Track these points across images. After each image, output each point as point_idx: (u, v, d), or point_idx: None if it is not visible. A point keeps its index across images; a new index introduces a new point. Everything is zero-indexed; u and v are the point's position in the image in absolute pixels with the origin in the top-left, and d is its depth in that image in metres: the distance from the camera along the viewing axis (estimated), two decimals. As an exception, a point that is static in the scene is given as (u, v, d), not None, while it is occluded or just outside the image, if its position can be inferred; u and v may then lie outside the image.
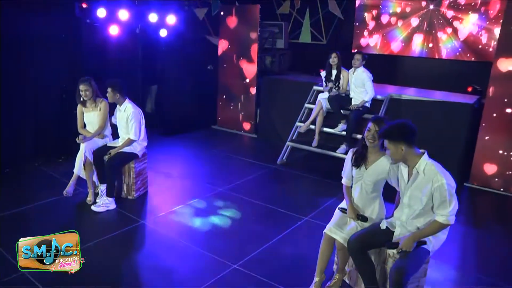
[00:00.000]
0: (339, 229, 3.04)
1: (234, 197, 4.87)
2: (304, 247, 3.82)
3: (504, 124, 5.16)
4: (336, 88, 5.79)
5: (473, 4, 6.93)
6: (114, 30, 7.03)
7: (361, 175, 3.12)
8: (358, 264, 2.93)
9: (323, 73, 5.98)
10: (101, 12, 6.71)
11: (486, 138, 5.27)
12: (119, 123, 4.58)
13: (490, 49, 6.80)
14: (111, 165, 4.39)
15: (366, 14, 8.25)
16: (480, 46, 6.94)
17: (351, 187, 3.24)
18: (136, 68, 7.62)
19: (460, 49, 7.17)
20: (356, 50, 6.45)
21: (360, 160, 3.13)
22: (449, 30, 7.23)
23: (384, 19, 8.03)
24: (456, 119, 5.40)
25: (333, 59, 5.77)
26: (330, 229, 3.04)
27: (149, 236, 3.98)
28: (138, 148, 4.57)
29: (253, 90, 7.61)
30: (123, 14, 7.04)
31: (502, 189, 5.25)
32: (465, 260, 3.83)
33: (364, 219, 3.08)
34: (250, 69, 7.60)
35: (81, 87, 4.43)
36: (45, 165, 5.61)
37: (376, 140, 3.02)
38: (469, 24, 6.99)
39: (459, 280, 3.50)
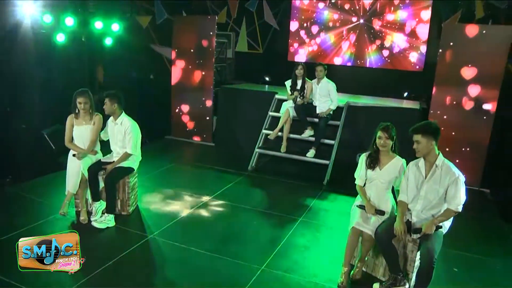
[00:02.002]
0: (364, 223, 3.59)
1: (224, 205, 5.14)
2: (314, 244, 4.31)
3: (449, 125, 6.21)
4: (301, 97, 6.39)
5: (399, 19, 8.13)
6: (60, 38, 6.77)
7: (376, 176, 3.71)
8: (385, 252, 3.50)
9: (288, 82, 6.54)
10: (48, 18, 6.44)
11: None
12: (113, 137, 4.53)
13: (414, 60, 8.09)
14: (110, 181, 4.36)
15: (300, 25, 9.07)
16: (404, 58, 8.18)
17: (363, 186, 3.84)
18: (84, 77, 7.36)
19: (387, 60, 8.34)
20: (318, 62, 7.05)
21: (375, 163, 3.73)
22: (378, 42, 8.37)
23: (317, 30, 8.91)
24: (405, 122, 6.34)
25: (300, 71, 6.36)
26: (358, 224, 3.57)
27: (166, 249, 4.05)
28: (135, 162, 4.60)
29: (209, 100, 7.87)
30: (69, 21, 6.82)
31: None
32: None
33: (381, 213, 3.67)
34: (206, 79, 7.84)
35: (80, 99, 4.30)
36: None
37: (387, 145, 3.65)
38: (395, 38, 8.18)
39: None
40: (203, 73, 7.84)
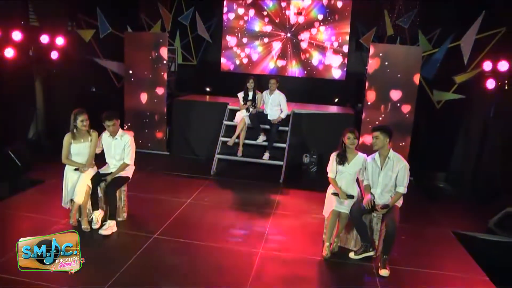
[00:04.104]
0: (341, 205, 4.79)
1: (207, 206, 5.97)
2: (293, 229, 5.41)
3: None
4: (253, 107, 7.50)
5: (323, 34, 9.68)
6: (9, 52, 6.97)
7: (345, 169, 4.95)
8: (357, 225, 4.71)
9: (240, 94, 7.60)
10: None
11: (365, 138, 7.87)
12: (110, 151, 5.11)
13: (337, 71, 9.69)
14: (112, 191, 4.95)
15: (231, 38, 10.20)
16: (328, 69, 9.75)
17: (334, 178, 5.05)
18: (33, 91, 7.57)
19: (313, 71, 9.85)
20: (273, 75, 8.22)
21: (343, 159, 4.96)
22: (305, 54, 9.84)
23: (248, 42, 10.14)
24: (343, 125, 7.71)
25: (251, 84, 7.47)
26: (337, 207, 4.76)
27: (174, 245, 4.76)
28: (131, 171, 5.26)
29: (162, 111, 8.56)
30: (16, 35, 7.07)
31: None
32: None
33: (351, 197, 4.89)
34: (158, 92, 8.52)
35: (82, 117, 4.81)
36: None
37: (355, 143, 4.90)
38: (320, 51, 9.73)
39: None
40: (156, 86, 8.51)
